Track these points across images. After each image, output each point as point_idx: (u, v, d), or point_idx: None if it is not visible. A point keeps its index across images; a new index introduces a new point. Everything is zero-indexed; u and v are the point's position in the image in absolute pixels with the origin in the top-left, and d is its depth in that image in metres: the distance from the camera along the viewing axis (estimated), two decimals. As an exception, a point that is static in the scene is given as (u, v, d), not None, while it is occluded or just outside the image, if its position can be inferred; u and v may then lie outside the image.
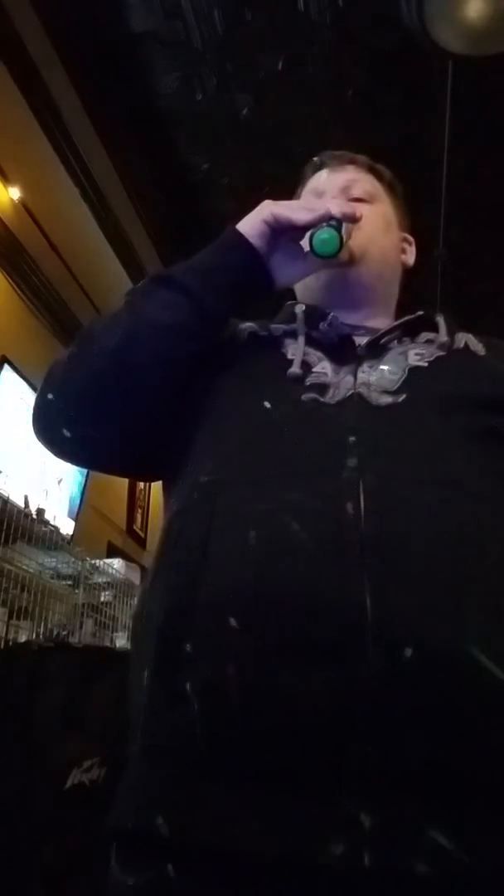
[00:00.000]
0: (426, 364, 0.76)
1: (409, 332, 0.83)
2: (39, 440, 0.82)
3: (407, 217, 0.98)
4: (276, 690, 0.55)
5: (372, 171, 0.96)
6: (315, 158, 0.97)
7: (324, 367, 0.75)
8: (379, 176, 0.96)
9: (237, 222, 0.78)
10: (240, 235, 0.77)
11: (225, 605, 0.59)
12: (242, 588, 0.59)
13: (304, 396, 0.72)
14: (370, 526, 0.59)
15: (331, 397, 0.71)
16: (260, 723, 0.55)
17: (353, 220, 0.80)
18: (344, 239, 0.77)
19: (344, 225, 0.78)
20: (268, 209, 0.77)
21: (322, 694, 0.54)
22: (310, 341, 0.79)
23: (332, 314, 0.81)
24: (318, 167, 0.96)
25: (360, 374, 0.74)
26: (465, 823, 0.53)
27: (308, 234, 0.77)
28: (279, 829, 0.53)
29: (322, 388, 0.72)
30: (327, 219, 0.77)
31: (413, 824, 0.52)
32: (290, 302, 0.89)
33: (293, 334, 0.80)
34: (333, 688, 0.54)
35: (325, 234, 0.76)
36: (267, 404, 0.72)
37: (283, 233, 0.78)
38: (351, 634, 0.55)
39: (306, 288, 0.88)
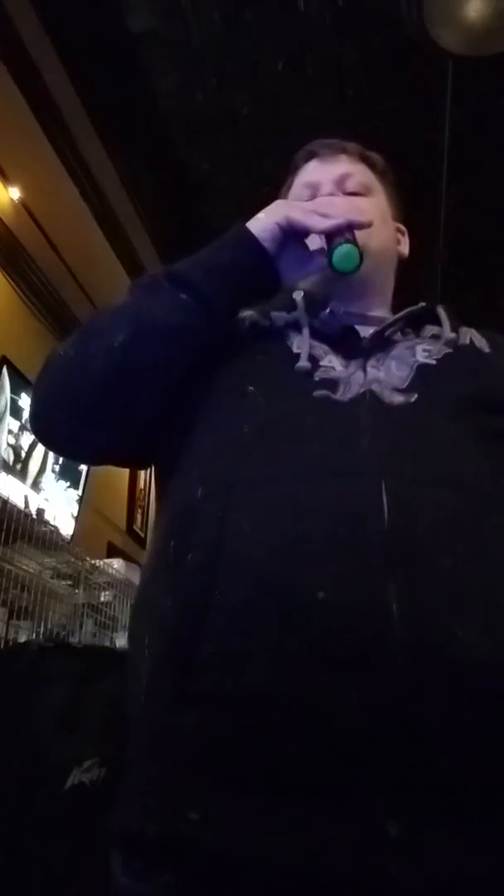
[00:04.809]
0: (434, 362, 0.74)
1: (411, 323, 0.81)
2: (38, 438, 0.80)
3: (400, 206, 0.97)
4: (298, 698, 0.53)
5: (364, 159, 0.94)
6: (306, 147, 0.95)
7: (331, 362, 0.73)
8: (371, 165, 0.94)
9: (236, 222, 0.77)
10: (251, 236, 0.75)
11: (244, 611, 0.57)
12: (263, 593, 0.57)
13: (316, 393, 0.69)
14: (395, 530, 0.57)
15: (342, 394, 0.69)
16: (281, 731, 0.53)
17: (366, 228, 0.79)
18: (363, 254, 0.76)
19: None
20: (282, 213, 0.76)
21: (348, 702, 0.52)
22: (313, 333, 0.77)
23: (332, 303, 0.80)
24: (309, 157, 0.94)
25: (369, 370, 0.72)
26: (495, 833, 0.51)
27: (328, 249, 0.76)
28: (302, 840, 0.51)
29: (332, 383, 0.70)
30: (344, 228, 0.76)
31: (440, 834, 0.50)
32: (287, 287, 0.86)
33: (295, 325, 0.79)
34: (359, 696, 0.52)
35: (344, 249, 0.75)
36: (277, 401, 0.70)
37: (294, 236, 0.77)
38: (377, 641, 0.53)
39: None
